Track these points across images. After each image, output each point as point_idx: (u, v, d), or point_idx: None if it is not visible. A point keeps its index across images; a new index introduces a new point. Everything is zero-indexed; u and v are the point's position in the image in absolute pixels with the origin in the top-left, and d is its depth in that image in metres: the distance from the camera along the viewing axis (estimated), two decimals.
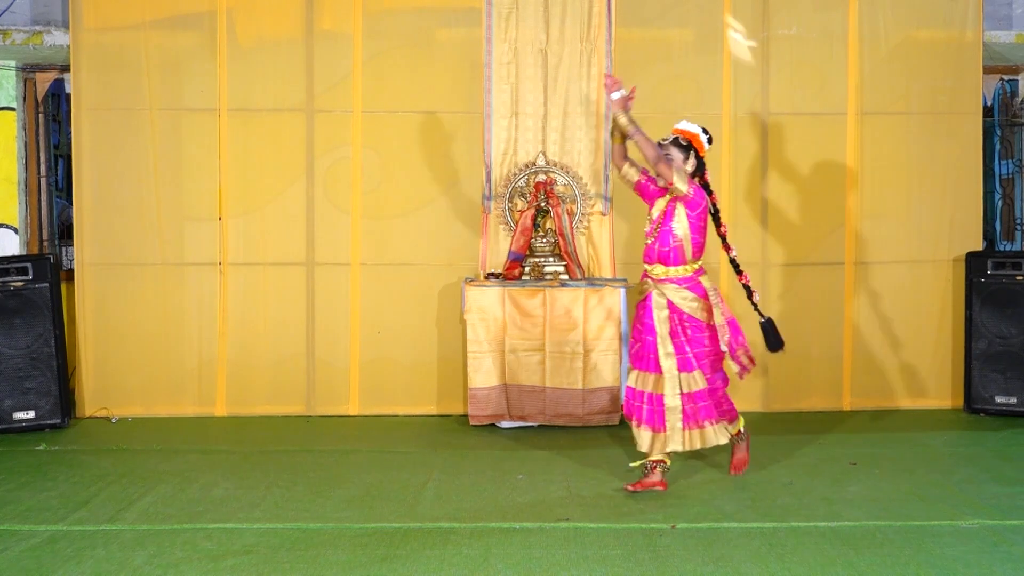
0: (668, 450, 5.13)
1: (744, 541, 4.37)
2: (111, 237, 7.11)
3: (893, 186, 7.29)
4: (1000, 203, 8.57)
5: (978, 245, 7.30)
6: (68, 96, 7.35)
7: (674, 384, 5.08)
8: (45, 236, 7.63)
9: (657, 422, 5.11)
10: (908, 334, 7.29)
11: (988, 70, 7.47)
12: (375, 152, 7.17)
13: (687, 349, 5.09)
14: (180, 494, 5.13)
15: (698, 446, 5.17)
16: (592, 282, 6.76)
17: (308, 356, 7.17)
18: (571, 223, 7.03)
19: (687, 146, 5.20)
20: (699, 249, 5.15)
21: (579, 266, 6.94)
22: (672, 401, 5.07)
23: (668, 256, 5.12)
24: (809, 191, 7.27)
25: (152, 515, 4.77)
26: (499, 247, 7.07)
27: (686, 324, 5.11)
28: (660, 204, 5.18)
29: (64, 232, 8.06)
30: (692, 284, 5.13)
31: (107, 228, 7.10)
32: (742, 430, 5.45)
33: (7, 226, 7.39)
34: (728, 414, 5.30)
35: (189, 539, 4.40)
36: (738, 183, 7.23)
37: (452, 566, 4.07)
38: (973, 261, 7.02)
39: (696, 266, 5.16)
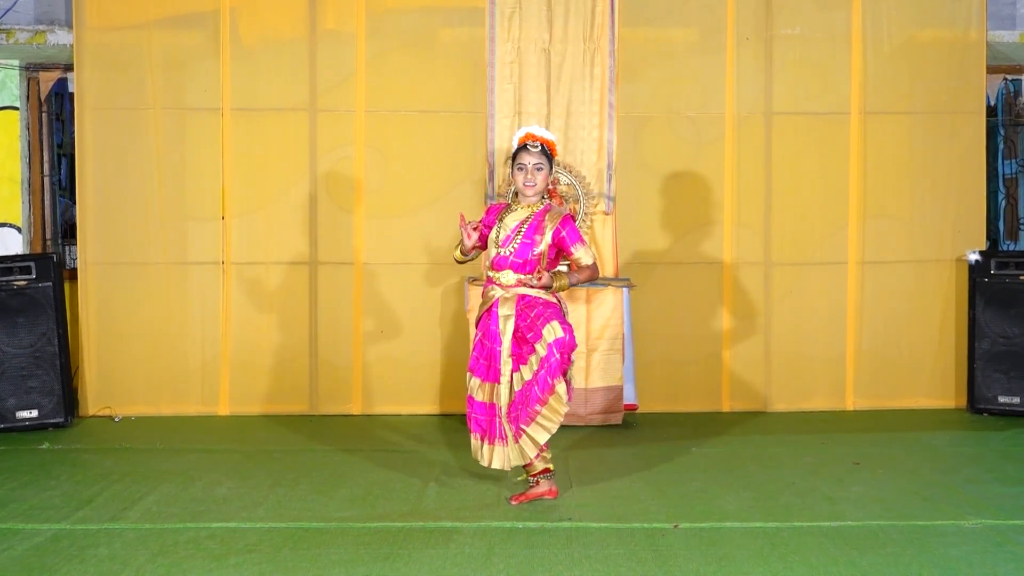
0: (514, 465, 4.84)
1: (747, 541, 4.36)
2: (114, 236, 7.12)
3: (896, 186, 7.29)
4: (1003, 203, 8.57)
5: (981, 245, 7.29)
6: (71, 95, 7.36)
7: (507, 392, 4.81)
8: (48, 235, 7.64)
9: (501, 435, 4.84)
10: (911, 334, 7.29)
11: (991, 70, 7.47)
12: (378, 151, 7.18)
13: (529, 330, 4.77)
14: (183, 493, 5.13)
15: (518, 463, 4.83)
16: (595, 282, 6.74)
17: (311, 355, 7.18)
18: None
19: (550, 156, 4.91)
20: (551, 263, 4.92)
21: None
22: (503, 410, 4.82)
23: (523, 266, 4.84)
24: (812, 191, 7.27)
25: (155, 514, 4.77)
26: None
27: (535, 319, 4.75)
28: (516, 216, 4.91)
29: (67, 231, 8.08)
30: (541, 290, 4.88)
31: (110, 227, 7.11)
32: (550, 469, 4.95)
33: (11, 225, 7.40)
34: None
35: (192, 538, 4.40)
36: (741, 183, 7.23)
37: (455, 565, 4.07)
38: (976, 261, 7.01)
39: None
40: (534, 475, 4.97)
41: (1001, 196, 8.57)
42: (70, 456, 5.98)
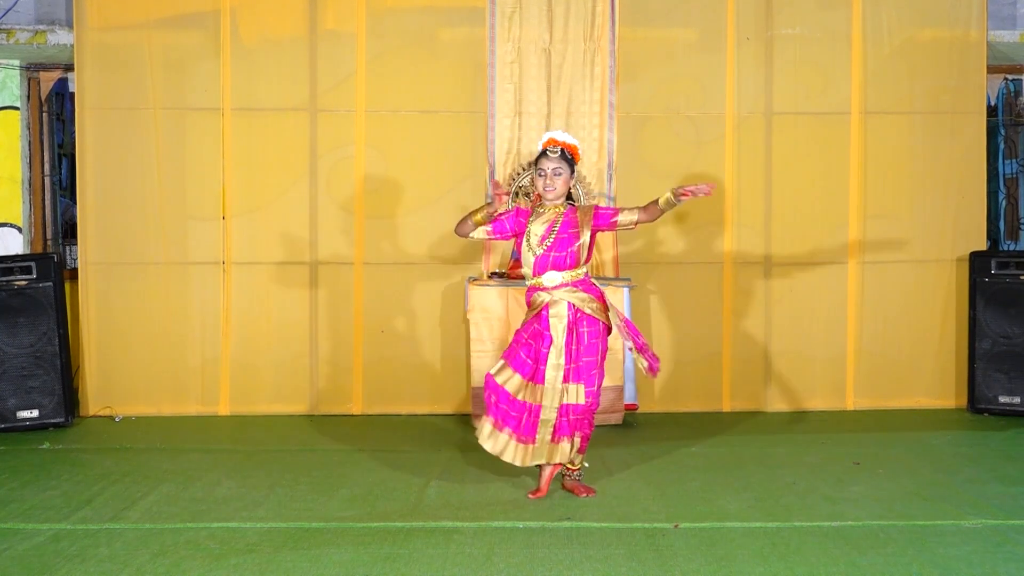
0: (533, 463, 4.97)
1: (747, 541, 4.36)
2: (115, 236, 7.12)
3: (896, 186, 7.29)
4: (1004, 203, 8.57)
5: (982, 245, 7.29)
6: (72, 95, 7.36)
7: (555, 397, 4.90)
8: (49, 235, 7.64)
9: (529, 433, 4.92)
10: (911, 334, 7.29)
11: (992, 69, 7.46)
12: (378, 151, 7.18)
13: (579, 359, 4.91)
14: (183, 493, 5.13)
15: (556, 459, 4.97)
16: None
17: (311, 355, 7.18)
18: None
19: (571, 160, 5.01)
20: (590, 253, 5.00)
21: None
22: (548, 415, 4.90)
23: (563, 261, 4.91)
24: (812, 191, 7.27)
25: (155, 514, 4.77)
26: (502, 246, 7.07)
27: (583, 331, 4.92)
28: (545, 219, 4.98)
29: (68, 231, 8.07)
30: (586, 286, 4.96)
31: (111, 227, 7.12)
32: (582, 466, 5.14)
33: (11, 225, 7.40)
34: (584, 440, 5.06)
35: (192, 538, 4.40)
36: (741, 182, 7.23)
37: (455, 565, 4.07)
38: (977, 261, 7.01)
39: (586, 269, 5.00)
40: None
41: (1002, 196, 8.57)
42: (70, 456, 5.98)
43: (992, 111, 8.09)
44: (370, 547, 4.27)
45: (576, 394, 4.93)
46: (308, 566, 4.05)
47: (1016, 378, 6.86)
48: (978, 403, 6.97)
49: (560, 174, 4.96)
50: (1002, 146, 8.52)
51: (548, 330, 4.93)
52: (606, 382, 6.53)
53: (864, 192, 7.25)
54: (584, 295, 4.95)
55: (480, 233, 5.03)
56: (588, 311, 4.93)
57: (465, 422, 6.85)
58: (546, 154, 4.99)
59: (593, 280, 5.05)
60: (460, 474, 5.48)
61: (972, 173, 7.30)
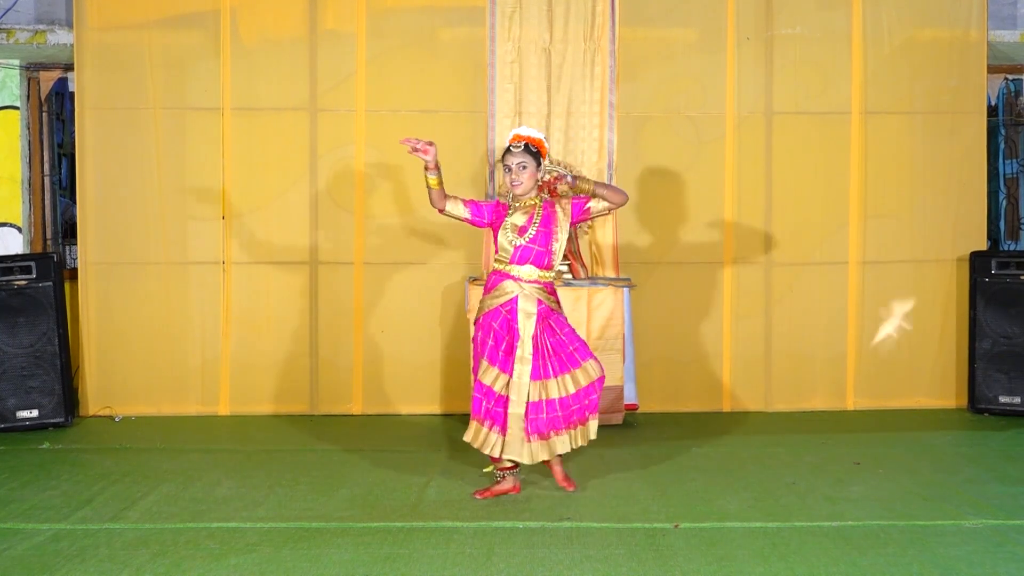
0: (506, 457, 4.96)
1: (747, 541, 4.36)
2: (114, 236, 7.12)
3: (897, 185, 7.29)
4: (1004, 203, 8.57)
5: (982, 245, 7.29)
6: (72, 95, 7.36)
7: (521, 392, 4.92)
8: (49, 235, 7.64)
9: (503, 424, 4.96)
10: (911, 334, 7.28)
11: (992, 69, 7.46)
12: (378, 151, 7.18)
13: (554, 351, 4.95)
14: (183, 493, 5.13)
15: (543, 458, 4.98)
16: (595, 281, 6.75)
17: (311, 355, 7.18)
18: None
19: (536, 154, 5.04)
20: (559, 256, 5.07)
21: (583, 265, 6.93)
22: (516, 408, 4.92)
23: (542, 260, 4.98)
24: (812, 191, 7.27)
25: (155, 514, 4.77)
26: None
27: (554, 326, 4.99)
28: (524, 211, 5.02)
29: (68, 231, 8.07)
30: (551, 289, 5.06)
31: (110, 227, 7.11)
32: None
33: (11, 225, 7.40)
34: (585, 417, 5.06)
35: (192, 538, 4.40)
36: (741, 182, 7.23)
37: (455, 565, 4.07)
38: (977, 261, 7.01)
39: (554, 275, 5.08)
40: (501, 470, 5.06)
41: (1002, 196, 8.57)
42: (70, 456, 5.98)
43: (992, 111, 8.09)
44: (370, 547, 4.28)
45: (556, 387, 4.94)
46: (308, 566, 4.05)
47: (1016, 378, 6.86)
48: (978, 403, 6.97)
49: (525, 168, 5.02)
50: (1002, 146, 8.52)
51: (516, 323, 4.96)
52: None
53: (864, 192, 7.25)
54: (551, 297, 5.04)
55: (458, 210, 5.05)
56: (553, 308, 5.03)
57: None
58: (510, 150, 5.05)
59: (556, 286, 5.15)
60: (460, 474, 5.48)
61: (972, 173, 7.30)
